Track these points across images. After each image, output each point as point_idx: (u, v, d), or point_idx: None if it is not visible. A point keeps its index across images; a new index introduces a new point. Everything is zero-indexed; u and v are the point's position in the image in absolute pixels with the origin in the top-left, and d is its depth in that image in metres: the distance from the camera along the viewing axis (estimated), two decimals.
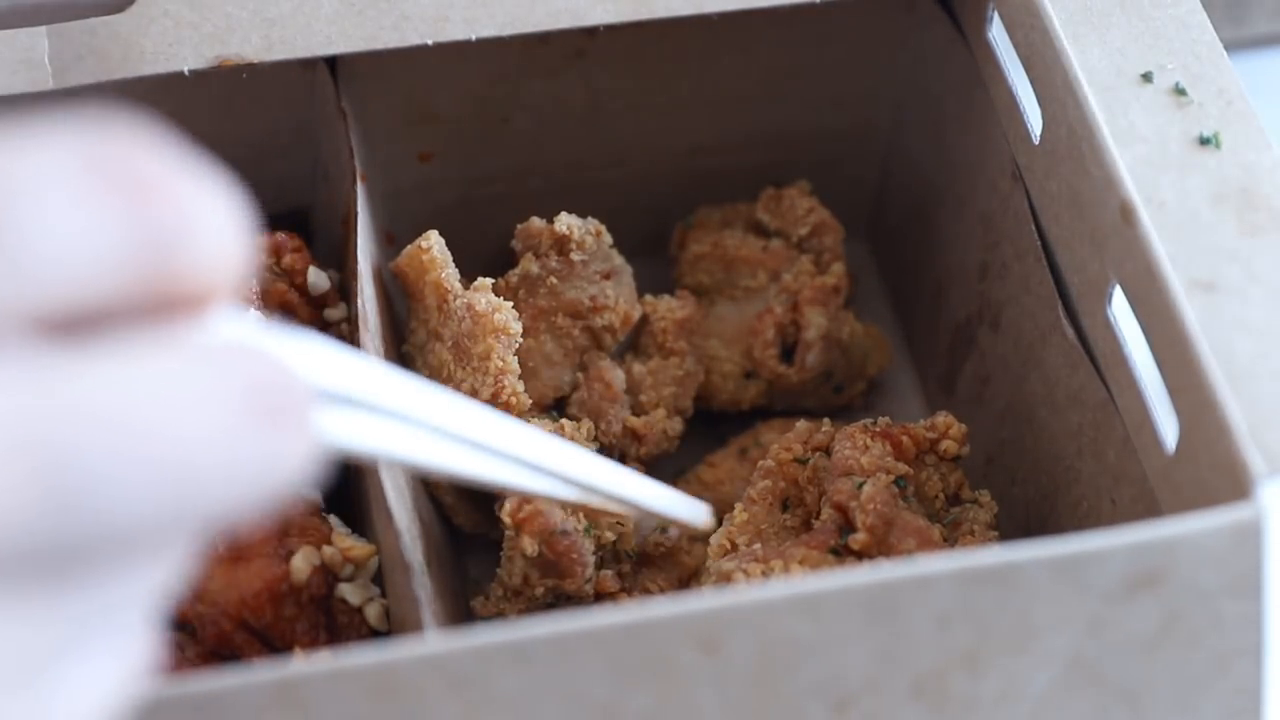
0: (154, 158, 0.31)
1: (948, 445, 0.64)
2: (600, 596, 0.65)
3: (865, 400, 0.76)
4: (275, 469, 0.32)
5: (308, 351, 0.38)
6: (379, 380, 0.41)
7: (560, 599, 0.64)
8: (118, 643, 0.33)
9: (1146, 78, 0.61)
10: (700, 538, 0.67)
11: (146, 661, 0.34)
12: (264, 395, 0.32)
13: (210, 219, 0.32)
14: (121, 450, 0.30)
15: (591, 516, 0.64)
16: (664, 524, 0.67)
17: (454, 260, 0.68)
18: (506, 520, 0.62)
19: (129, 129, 0.32)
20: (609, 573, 0.65)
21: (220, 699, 0.46)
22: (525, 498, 0.62)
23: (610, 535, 0.64)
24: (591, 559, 0.63)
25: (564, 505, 0.63)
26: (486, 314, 0.65)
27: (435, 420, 0.46)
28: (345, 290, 0.69)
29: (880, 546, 0.59)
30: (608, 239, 0.70)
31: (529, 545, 0.62)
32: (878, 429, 0.63)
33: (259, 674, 0.47)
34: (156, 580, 0.33)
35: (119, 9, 0.65)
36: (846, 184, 0.78)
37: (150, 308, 0.31)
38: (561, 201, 0.71)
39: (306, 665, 0.47)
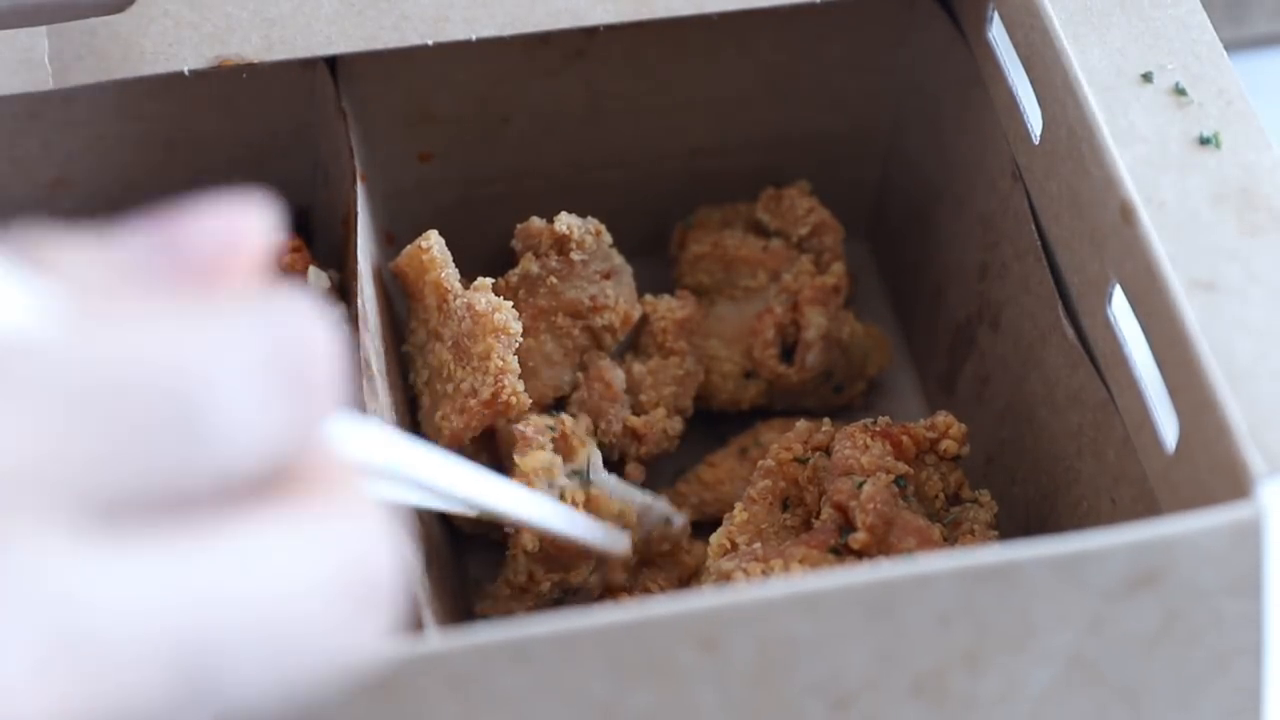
0: (325, 358, 0.32)
1: (948, 445, 0.64)
2: (610, 589, 0.65)
3: (865, 400, 0.76)
4: (357, 651, 0.32)
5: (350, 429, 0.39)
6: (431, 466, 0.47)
7: (568, 593, 0.64)
8: None
9: (1146, 78, 0.61)
10: (673, 538, 0.68)
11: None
12: (366, 582, 0.32)
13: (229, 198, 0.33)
14: (249, 632, 0.30)
15: (592, 508, 0.64)
16: (666, 516, 0.67)
17: (454, 260, 0.68)
18: None
19: (310, 320, 0.32)
20: (614, 565, 0.65)
21: None
22: None
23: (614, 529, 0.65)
24: (593, 551, 0.64)
25: (563, 499, 0.63)
26: (486, 314, 0.65)
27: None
28: (345, 290, 0.69)
29: (880, 546, 0.59)
30: (608, 239, 0.70)
31: (529, 540, 0.62)
32: (878, 429, 0.63)
33: None
34: None
35: (119, 9, 0.65)
36: (846, 184, 0.78)
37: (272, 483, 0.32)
38: (561, 201, 0.71)
39: None
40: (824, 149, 0.77)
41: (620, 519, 0.65)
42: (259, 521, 0.31)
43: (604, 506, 0.64)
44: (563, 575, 0.63)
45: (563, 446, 0.65)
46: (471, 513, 0.57)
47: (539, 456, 0.63)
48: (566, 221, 0.69)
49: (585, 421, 0.68)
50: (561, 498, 0.63)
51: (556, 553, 0.63)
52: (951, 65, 0.71)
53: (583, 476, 0.64)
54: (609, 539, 0.64)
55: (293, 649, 0.31)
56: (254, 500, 0.31)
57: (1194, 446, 0.54)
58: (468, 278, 0.68)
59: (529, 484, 0.63)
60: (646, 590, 0.66)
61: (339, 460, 0.33)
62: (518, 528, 0.63)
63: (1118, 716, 0.52)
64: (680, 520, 0.68)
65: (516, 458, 0.64)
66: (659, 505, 0.67)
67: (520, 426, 0.65)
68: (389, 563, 0.33)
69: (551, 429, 0.65)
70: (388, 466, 0.46)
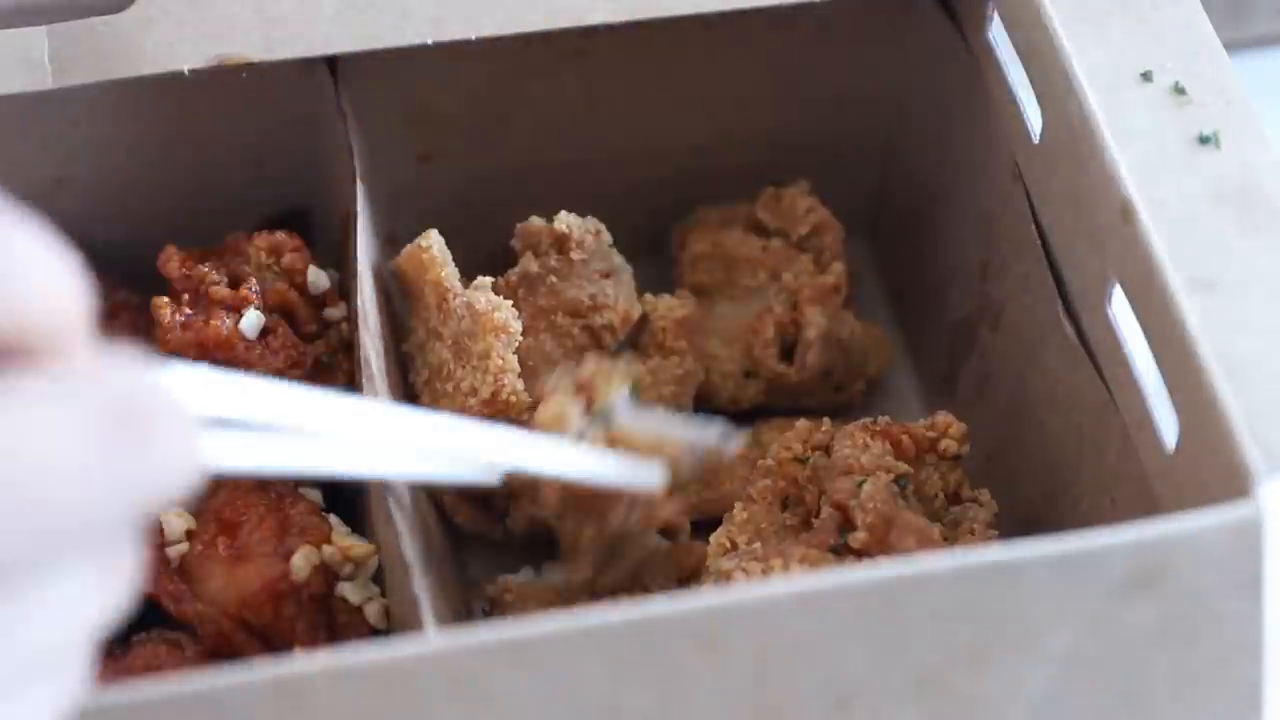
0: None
1: (948, 444, 0.64)
2: (667, 531, 0.64)
3: (865, 400, 0.76)
4: (151, 477, 0.33)
5: (182, 378, 0.40)
6: (271, 399, 0.44)
7: (617, 546, 0.63)
8: (59, 676, 0.34)
9: (1146, 77, 0.61)
10: (727, 461, 0.67)
11: (83, 690, 0.35)
12: (123, 411, 0.33)
13: (36, 261, 0.33)
14: None
15: (618, 445, 0.63)
16: (718, 440, 0.66)
17: (454, 260, 0.68)
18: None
19: None
20: (661, 501, 0.63)
21: (220, 699, 0.46)
22: None
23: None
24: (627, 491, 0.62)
25: (580, 441, 0.62)
26: (486, 312, 0.65)
27: (341, 427, 0.49)
28: (345, 290, 0.69)
29: (880, 545, 0.59)
30: (607, 238, 0.70)
31: (550, 495, 0.61)
32: (878, 428, 0.63)
33: (259, 674, 0.47)
34: (91, 606, 0.34)
35: (119, 9, 0.65)
36: (846, 184, 0.78)
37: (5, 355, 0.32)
38: (561, 201, 0.71)
39: (306, 665, 0.47)
40: (824, 149, 0.77)
41: (657, 452, 0.63)
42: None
43: (635, 443, 0.63)
44: (599, 523, 0.62)
45: (587, 389, 0.63)
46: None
47: (549, 406, 0.62)
48: (566, 221, 0.69)
49: (621, 366, 0.67)
50: (581, 441, 0.62)
51: (584, 499, 0.62)
52: (951, 65, 0.71)
53: (606, 417, 0.63)
54: (632, 473, 0.62)
55: (50, 491, 0.31)
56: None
57: (1194, 446, 0.54)
58: (468, 277, 0.68)
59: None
60: (646, 590, 0.66)
61: (68, 318, 0.33)
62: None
63: (1118, 716, 0.52)
64: (736, 441, 0.66)
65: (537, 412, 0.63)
66: (708, 431, 0.66)
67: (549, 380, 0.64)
68: (146, 387, 0.33)
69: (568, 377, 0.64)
70: (239, 413, 0.44)
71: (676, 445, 0.64)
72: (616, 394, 0.63)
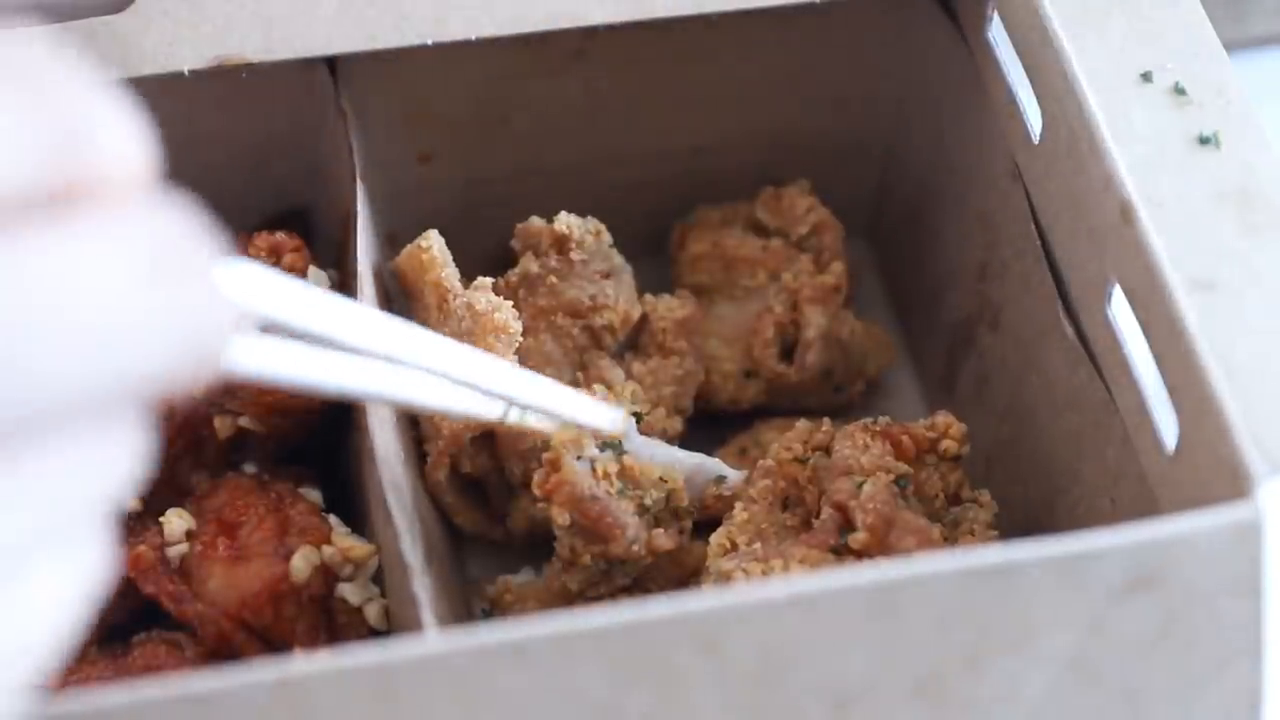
0: (53, 65, 0.34)
1: (948, 445, 0.64)
2: (656, 558, 0.64)
3: (865, 400, 0.76)
4: (191, 325, 0.34)
5: (239, 271, 0.41)
6: (283, 299, 0.45)
7: (614, 565, 0.64)
8: (73, 546, 0.34)
9: (1146, 78, 0.61)
10: (727, 496, 0.67)
11: (102, 566, 0.35)
12: (169, 252, 0.34)
13: (108, 113, 0.34)
14: (37, 320, 0.31)
15: (627, 477, 0.63)
16: (718, 475, 0.66)
17: (454, 260, 0.68)
18: (537, 492, 0.62)
19: (29, 38, 0.34)
20: (660, 531, 0.64)
21: (220, 699, 0.46)
22: (552, 469, 0.62)
23: (656, 494, 0.64)
24: (632, 520, 0.63)
25: (593, 471, 0.62)
26: (486, 313, 0.65)
27: (377, 348, 0.49)
28: (345, 290, 0.69)
29: (880, 546, 0.59)
30: (607, 238, 0.70)
31: (559, 515, 0.62)
32: (878, 428, 0.63)
33: (259, 674, 0.47)
34: (108, 472, 0.34)
35: (119, 9, 0.65)
36: (846, 184, 0.78)
37: (67, 199, 0.33)
38: (561, 201, 0.71)
39: (306, 665, 0.47)
40: (824, 149, 0.77)
41: (664, 485, 0.64)
42: (42, 225, 0.33)
43: (643, 475, 0.63)
44: (602, 548, 0.63)
45: None
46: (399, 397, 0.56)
47: (565, 428, 0.62)
48: (566, 221, 0.69)
49: (630, 388, 0.67)
50: (593, 470, 0.62)
51: (590, 524, 0.62)
52: (951, 65, 0.71)
53: (616, 447, 0.63)
54: (602, 415, 0.62)
55: (96, 324, 0.32)
56: (42, 213, 0.33)
57: (1194, 446, 0.54)
58: (468, 278, 0.68)
59: (558, 458, 0.62)
60: (646, 591, 0.66)
61: (127, 174, 0.35)
62: (554, 488, 0.62)
63: (1117, 717, 0.52)
64: (734, 477, 0.67)
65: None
66: (709, 464, 0.66)
67: None
68: (189, 232, 0.35)
69: None
70: (280, 312, 0.45)
71: (679, 477, 0.64)
72: (627, 420, 0.64)
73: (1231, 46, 0.64)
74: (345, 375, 0.51)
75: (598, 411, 0.61)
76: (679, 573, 0.67)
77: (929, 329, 0.76)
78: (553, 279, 0.69)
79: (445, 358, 0.53)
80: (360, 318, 0.49)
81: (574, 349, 0.70)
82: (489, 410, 0.59)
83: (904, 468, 0.62)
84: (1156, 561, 0.50)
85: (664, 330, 0.71)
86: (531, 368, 0.68)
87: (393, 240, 0.72)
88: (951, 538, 0.62)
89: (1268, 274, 0.56)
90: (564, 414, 0.61)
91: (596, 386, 0.66)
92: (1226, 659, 0.51)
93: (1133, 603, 0.50)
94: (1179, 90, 0.61)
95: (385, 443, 0.62)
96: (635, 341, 0.72)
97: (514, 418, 0.60)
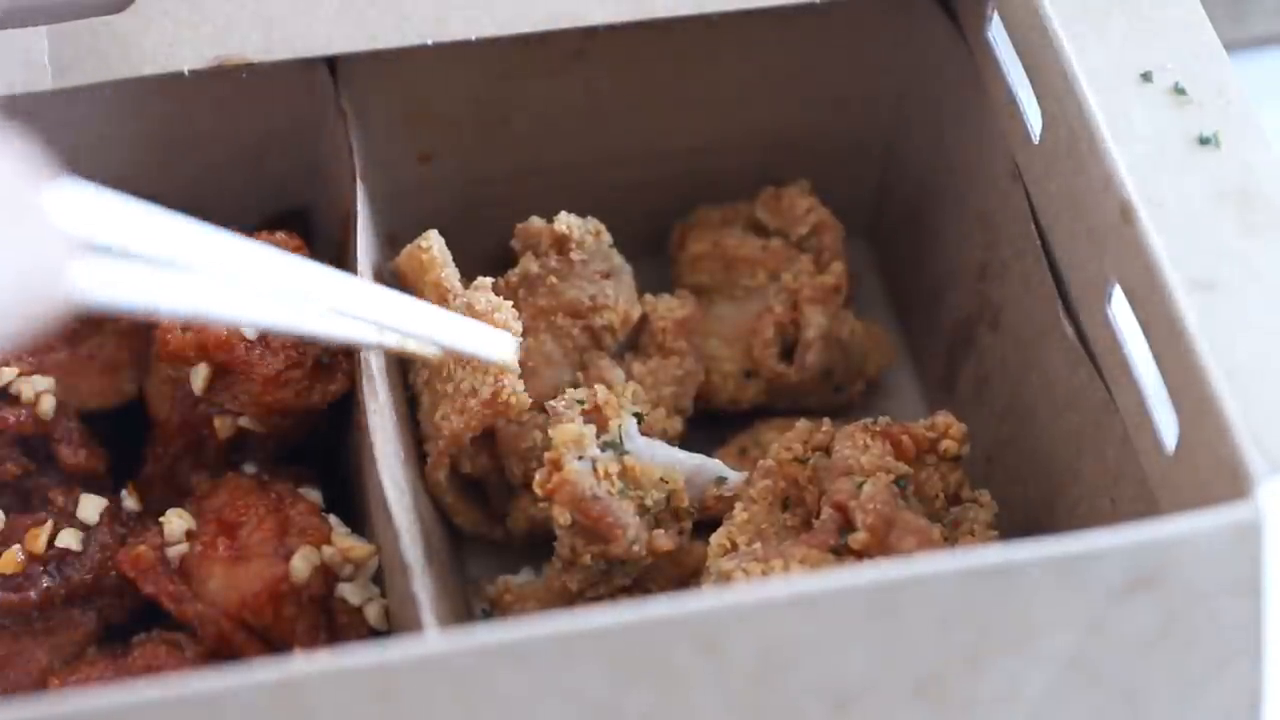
0: None
1: (948, 445, 0.64)
2: (657, 558, 0.65)
3: (865, 400, 0.76)
4: (26, 259, 0.34)
5: (70, 198, 0.40)
6: (158, 228, 0.44)
7: (615, 565, 0.64)
8: None
9: (1146, 77, 0.61)
10: (727, 497, 0.67)
11: None
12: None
13: None
14: None
15: (628, 477, 0.63)
16: (718, 476, 0.67)
17: (454, 260, 0.68)
18: (538, 492, 0.62)
19: None
20: (660, 532, 0.64)
21: (220, 699, 0.46)
22: (553, 468, 0.62)
23: (657, 495, 0.64)
24: (633, 520, 0.63)
25: (595, 471, 0.62)
26: (486, 313, 0.65)
27: (224, 267, 0.49)
28: None
29: (880, 546, 0.59)
30: (607, 238, 0.70)
31: (561, 514, 0.62)
32: (878, 429, 0.63)
33: (259, 674, 0.47)
34: None
35: (119, 9, 0.65)
36: (846, 184, 0.78)
37: None
38: (561, 201, 0.71)
39: (306, 665, 0.47)
40: (824, 149, 0.77)
41: (665, 485, 0.64)
42: None
43: (644, 475, 0.64)
44: (602, 547, 0.63)
45: (595, 418, 0.64)
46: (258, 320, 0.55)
47: (569, 429, 0.62)
48: (566, 221, 0.69)
49: (630, 388, 0.68)
50: (594, 470, 0.62)
51: (591, 524, 0.62)
52: (951, 65, 0.71)
53: (617, 447, 0.63)
54: (492, 345, 0.62)
55: None
56: None
57: (1194, 446, 0.54)
58: (468, 278, 0.68)
59: (559, 458, 0.62)
60: (646, 591, 0.66)
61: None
62: (556, 487, 0.62)
63: (1117, 717, 0.52)
64: (734, 478, 0.67)
65: (549, 431, 0.63)
66: (709, 465, 0.67)
67: (552, 402, 0.65)
68: (16, 176, 0.35)
69: (581, 401, 0.64)
70: (120, 236, 0.44)
71: (680, 478, 0.64)
72: (628, 421, 0.64)
73: (1231, 46, 0.64)
74: (195, 297, 0.49)
75: (485, 338, 0.61)
76: (679, 573, 0.67)
77: (929, 329, 0.76)
78: (553, 279, 0.69)
79: (316, 282, 0.52)
80: (213, 240, 0.48)
81: (574, 349, 0.70)
82: (360, 333, 0.58)
83: (904, 468, 0.62)
84: (1156, 562, 0.50)
85: (664, 330, 0.71)
86: (531, 368, 0.68)
87: (393, 240, 0.72)
88: (951, 538, 0.62)
89: (1268, 274, 0.56)
90: (446, 340, 0.60)
91: (597, 386, 0.66)
92: (1226, 659, 0.51)
93: (1132, 603, 0.50)
94: (1179, 90, 0.61)
95: (385, 443, 0.62)
96: (635, 341, 0.72)
97: (391, 342, 0.60)
